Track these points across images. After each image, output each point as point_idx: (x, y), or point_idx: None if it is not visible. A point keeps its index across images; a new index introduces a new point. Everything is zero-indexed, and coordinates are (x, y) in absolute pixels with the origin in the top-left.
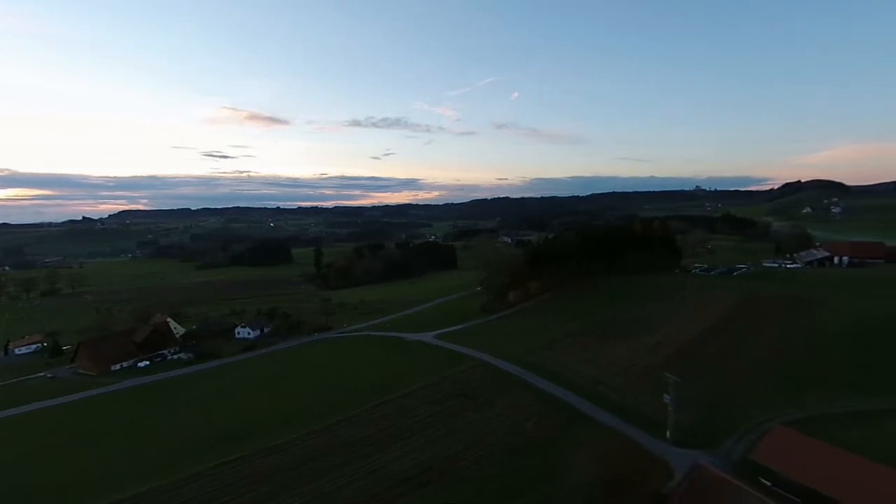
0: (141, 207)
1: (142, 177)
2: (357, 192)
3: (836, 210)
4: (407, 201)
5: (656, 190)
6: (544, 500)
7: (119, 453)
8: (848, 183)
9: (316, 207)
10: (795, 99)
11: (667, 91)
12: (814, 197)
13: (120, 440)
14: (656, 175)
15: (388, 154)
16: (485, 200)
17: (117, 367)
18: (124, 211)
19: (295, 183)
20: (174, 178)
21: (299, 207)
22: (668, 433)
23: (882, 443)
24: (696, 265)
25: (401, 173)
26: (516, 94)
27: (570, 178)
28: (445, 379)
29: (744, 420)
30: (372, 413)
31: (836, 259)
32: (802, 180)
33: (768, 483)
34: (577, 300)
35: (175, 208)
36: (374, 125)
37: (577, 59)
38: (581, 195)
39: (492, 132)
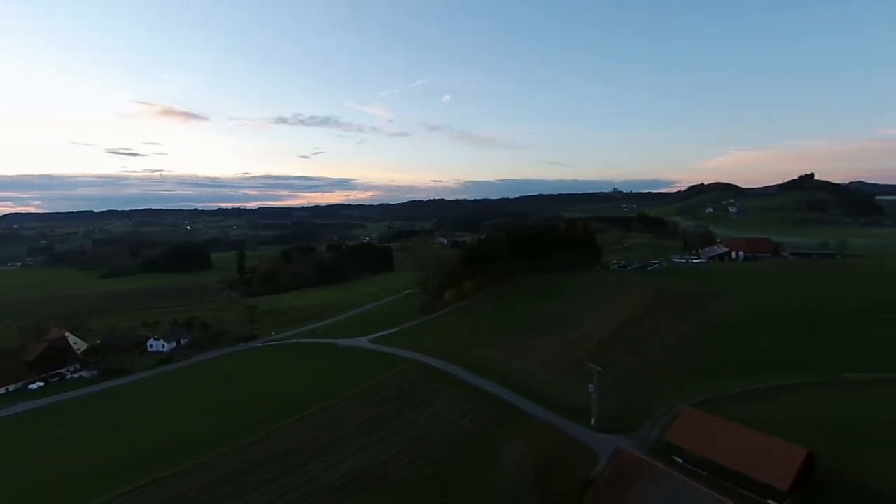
0: (32, 210)
1: (33, 176)
2: (284, 193)
3: (732, 210)
4: (339, 202)
5: (578, 192)
6: (480, 494)
7: None
8: (742, 185)
9: (238, 208)
10: (698, 108)
11: (587, 98)
12: (715, 198)
13: None
14: (578, 178)
15: (318, 153)
16: (421, 202)
17: (1, 390)
18: (11, 214)
19: (215, 182)
20: (73, 177)
21: (220, 209)
22: (592, 421)
23: (772, 416)
24: (615, 262)
25: (332, 173)
26: (448, 97)
27: (501, 180)
28: (381, 382)
29: (659, 404)
30: (304, 422)
31: (733, 254)
32: (705, 183)
33: (680, 460)
34: (508, 298)
35: (74, 210)
36: (303, 123)
37: (505, 65)
38: (511, 197)
39: (426, 134)
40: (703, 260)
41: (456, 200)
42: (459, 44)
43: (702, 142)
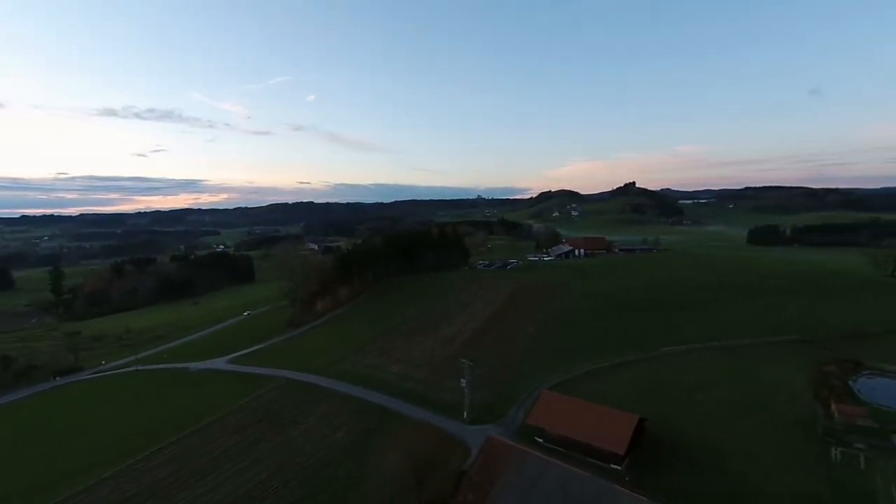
0: None
1: None
2: (115, 196)
3: (574, 213)
4: (186, 206)
5: (447, 199)
6: (358, 502)
7: None
8: (582, 192)
9: (52, 216)
10: (546, 124)
11: (455, 109)
12: (560, 203)
13: None
14: (447, 185)
15: (158, 151)
16: (286, 205)
17: None
18: None
19: (17, 184)
20: None
21: (24, 216)
22: (465, 414)
23: (613, 389)
24: (480, 262)
25: (177, 173)
26: (313, 97)
27: (375, 185)
28: (242, 406)
29: (522, 390)
30: (149, 462)
31: (576, 251)
32: (552, 190)
33: (541, 440)
34: (385, 302)
35: None
36: (138, 116)
37: (375, 68)
38: (385, 202)
39: (289, 134)
40: (552, 257)
41: (327, 204)
42: (324, 43)
43: (549, 154)
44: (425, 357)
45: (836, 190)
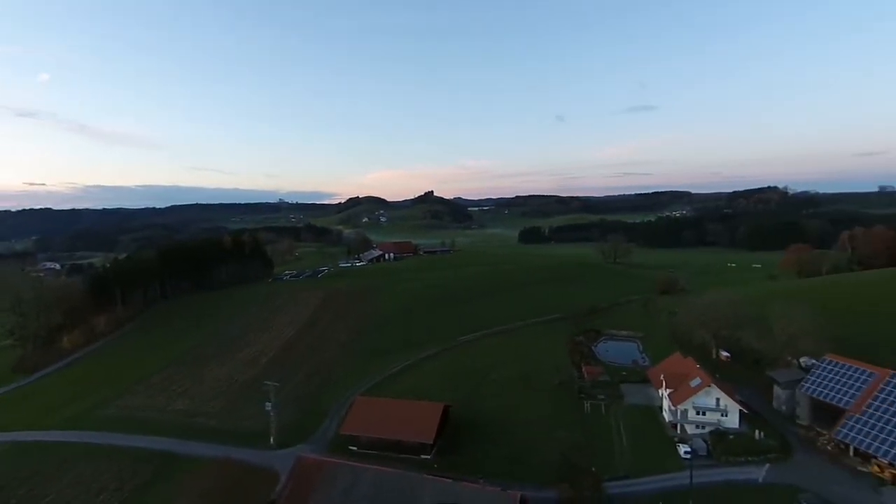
0: None
1: None
2: None
3: (383, 219)
4: None
5: (242, 202)
6: None
7: None
8: (388, 199)
9: None
10: (355, 130)
11: (250, 102)
12: (369, 209)
13: None
14: (241, 187)
15: None
16: (7, 212)
17: None
18: None
19: None
20: None
21: None
22: (271, 440)
23: (421, 382)
24: (287, 272)
25: None
26: (47, 76)
27: (143, 186)
28: None
29: (335, 401)
30: None
31: (386, 255)
32: (360, 196)
33: (354, 448)
34: (163, 328)
35: None
36: None
37: (146, 45)
38: (159, 207)
39: (12, 121)
40: (365, 262)
41: (73, 210)
42: (65, 4)
43: (357, 160)
44: (220, 386)
45: (578, 197)
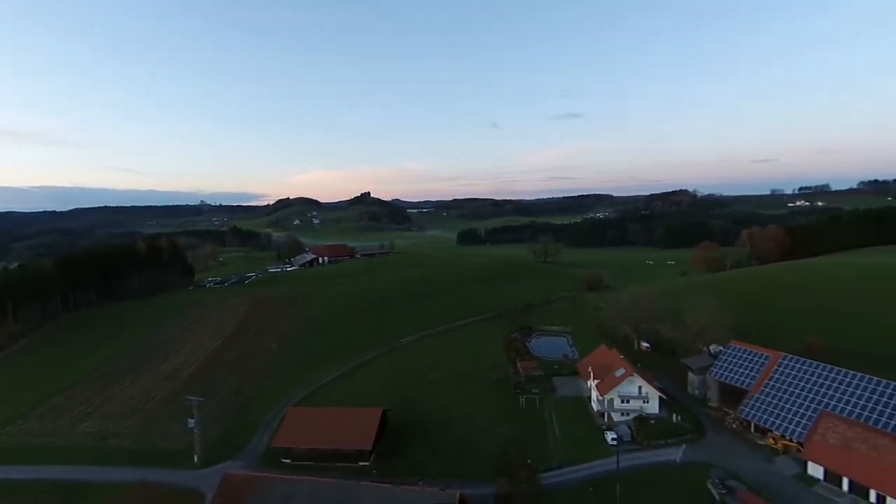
0: None
1: None
2: None
3: (316, 221)
4: None
5: (159, 205)
6: None
7: None
8: (321, 200)
9: None
10: (286, 127)
11: (163, 98)
12: (300, 211)
13: None
14: (157, 189)
15: None
16: None
17: None
18: None
19: None
20: None
21: None
22: (195, 458)
23: (358, 389)
24: (211, 278)
25: None
26: None
27: (40, 187)
28: None
29: (266, 414)
30: None
31: (320, 259)
32: (291, 197)
33: (288, 461)
34: (68, 342)
35: None
36: None
37: (35, 25)
38: (60, 210)
39: None
40: (296, 267)
41: None
42: None
43: (286, 160)
44: (136, 404)
45: (511, 200)
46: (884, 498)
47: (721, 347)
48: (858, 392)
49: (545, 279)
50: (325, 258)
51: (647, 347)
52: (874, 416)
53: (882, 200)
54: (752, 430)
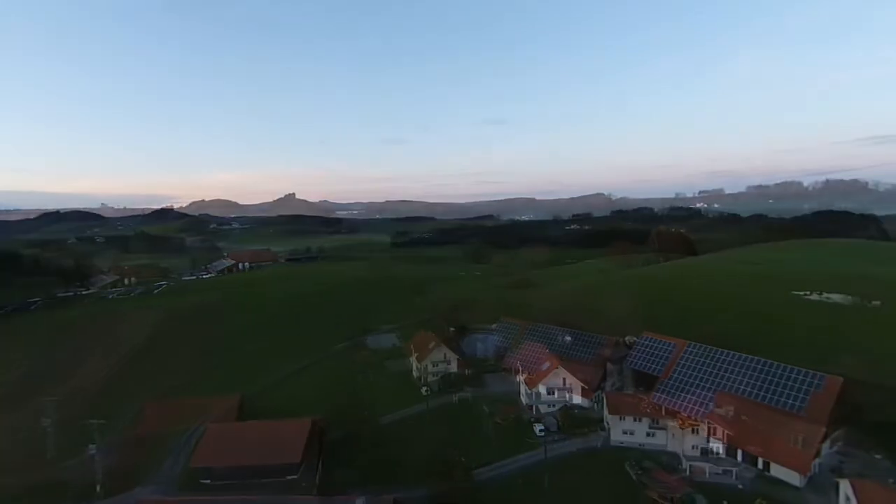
0: None
1: None
2: None
3: (235, 225)
4: None
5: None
6: None
7: None
8: (241, 202)
9: None
10: (198, 124)
11: (58, 93)
12: (218, 214)
13: None
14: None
15: None
16: None
17: None
18: None
19: None
20: None
21: None
22: (97, 488)
23: (296, 395)
24: (113, 289)
25: None
26: None
27: None
28: None
29: (181, 434)
30: None
31: (240, 265)
32: (206, 199)
33: (208, 481)
34: None
35: None
36: None
37: None
38: None
39: None
40: (213, 274)
41: None
42: None
43: (201, 159)
44: (16, 435)
45: (444, 203)
46: (768, 464)
47: (635, 338)
48: (749, 373)
49: (477, 280)
50: (247, 264)
51: (570, 341)
52: (762, 393)
53: (765, 202)
54: (663, 412)
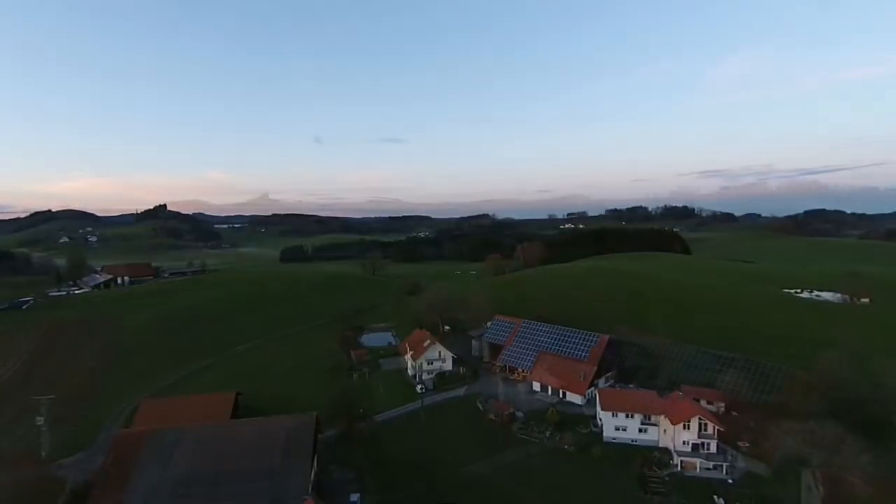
0: None
1: None
2: None
3: (92, 238)
4: None
5: None
6: None
7: None
8: (99, 213)
9: None
10: (33, 127)
11: None
12: (69, 226)
13: None
14: None
15: None
16: None
17: None
18: None
19: None
20: None
21: None
22: (43, 454)
23: (203, 388)
24: None
25: None
26: None
27: None
28: None
29: (109, 413)
30: None
31: (119, 279)
32: (53, 209)
33: None
34: None
35: None
36: None
37: None
38: None
39: None
40: (86, 289)
41: None
42: None
43: (41, 164)
44: None
45: (338, 218)
46: (564, 393)
47: (491, 322)
48: (560, 338)
49: (374, 289)
50: (126, 278)
51: (448, 328)
52: (566, 349)
53: (619, 223)
54: (507, 371)
